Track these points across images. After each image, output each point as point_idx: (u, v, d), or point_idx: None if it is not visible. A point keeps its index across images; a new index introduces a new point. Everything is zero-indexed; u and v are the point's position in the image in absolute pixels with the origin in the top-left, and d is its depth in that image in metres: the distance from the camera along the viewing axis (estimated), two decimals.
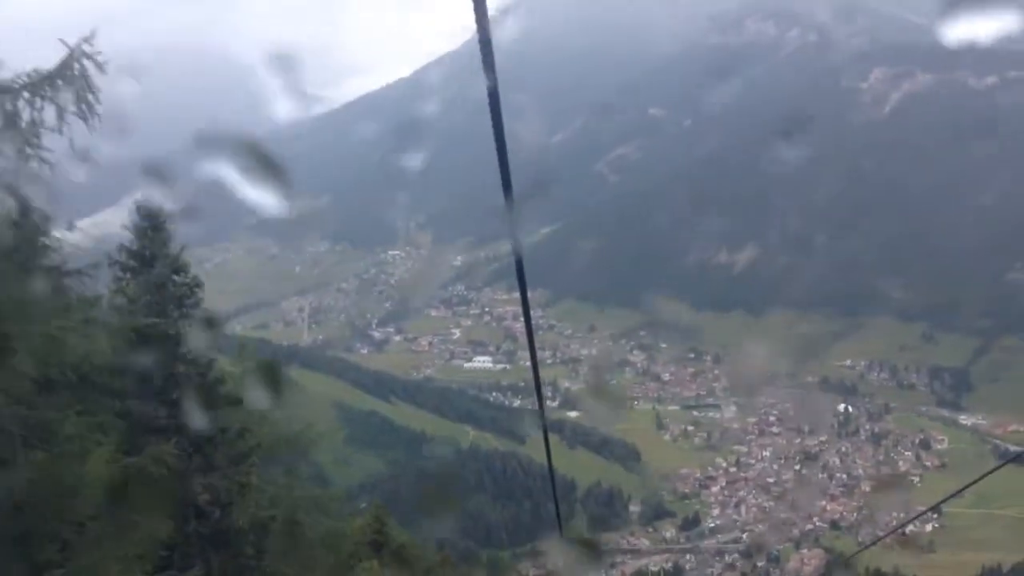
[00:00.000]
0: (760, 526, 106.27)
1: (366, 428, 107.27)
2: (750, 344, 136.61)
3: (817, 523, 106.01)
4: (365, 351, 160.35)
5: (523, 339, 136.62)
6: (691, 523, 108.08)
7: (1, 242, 10.05)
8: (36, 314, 10.50)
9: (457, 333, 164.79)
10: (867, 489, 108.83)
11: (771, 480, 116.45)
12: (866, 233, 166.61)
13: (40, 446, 9.94)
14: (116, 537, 10.66)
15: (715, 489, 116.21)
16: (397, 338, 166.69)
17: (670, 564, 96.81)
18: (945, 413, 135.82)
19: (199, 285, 14.61)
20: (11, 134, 9.53)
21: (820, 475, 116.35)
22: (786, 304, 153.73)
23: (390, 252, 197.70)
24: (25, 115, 9.60)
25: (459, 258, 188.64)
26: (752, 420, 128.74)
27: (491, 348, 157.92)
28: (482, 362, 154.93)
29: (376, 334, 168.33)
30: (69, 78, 9.78)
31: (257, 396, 14.14)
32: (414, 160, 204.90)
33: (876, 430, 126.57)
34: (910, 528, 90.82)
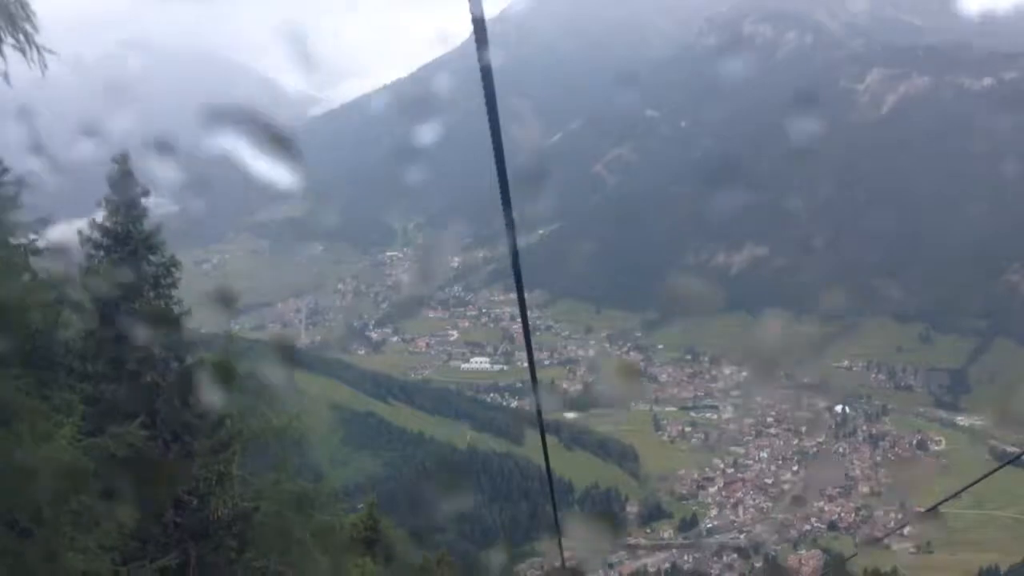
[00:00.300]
0: (758, 527, 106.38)
1: (364, 429, 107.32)
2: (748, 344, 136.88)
3: (815, 524, 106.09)
4: (362, 352, 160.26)
5: (521, 340, 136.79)
6: (689, 524, 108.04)
7: None
8: None
9: (455, 334, 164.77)
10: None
11: (769, 481, 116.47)
12: (863, 234, 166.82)
13: None
14: (78, 525, 10.25)
15: (713, 490, 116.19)
16: (395, 339, 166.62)
17: (668, 564, 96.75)
18: (942, 414, 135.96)
19: (176, 265, 14.16)
20: None
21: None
22: (783, 305, 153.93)
23: (388, 253, 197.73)
24: None
25: (457, 259, 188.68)
26: (749, 421, 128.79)
27: (489, 349, 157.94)
28: (480, 363, 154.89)
29: (374, 335, 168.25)
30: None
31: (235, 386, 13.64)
32: (412, 161, 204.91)
33: (874, 431, 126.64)
34: (908, 529, 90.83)
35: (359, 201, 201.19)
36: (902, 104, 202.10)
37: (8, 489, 9.36)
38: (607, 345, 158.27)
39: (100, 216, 14.00)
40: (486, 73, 3.18)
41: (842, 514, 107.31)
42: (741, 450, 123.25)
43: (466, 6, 3.10)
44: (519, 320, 5.13)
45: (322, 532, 15.49)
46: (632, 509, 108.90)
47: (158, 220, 14.02)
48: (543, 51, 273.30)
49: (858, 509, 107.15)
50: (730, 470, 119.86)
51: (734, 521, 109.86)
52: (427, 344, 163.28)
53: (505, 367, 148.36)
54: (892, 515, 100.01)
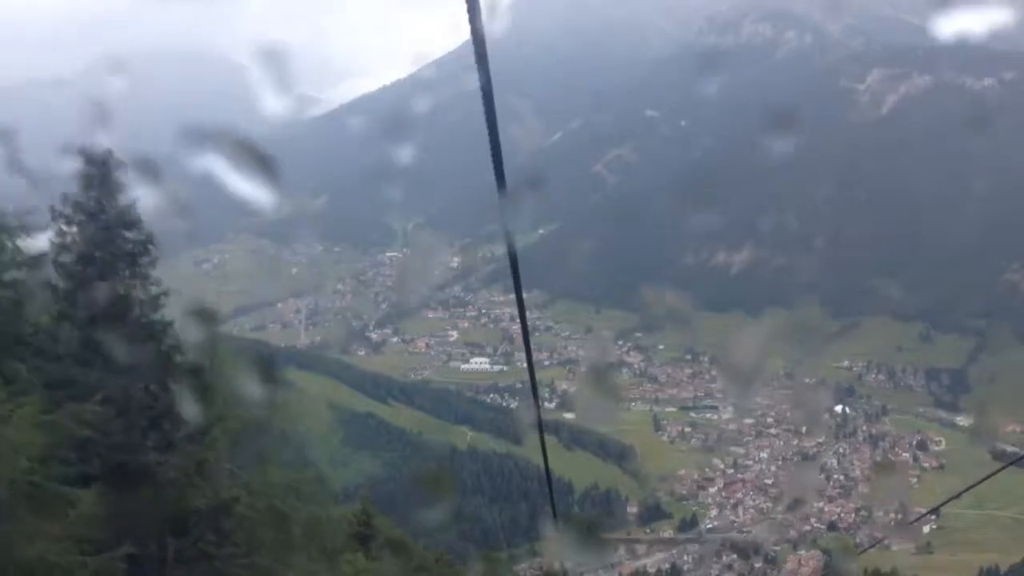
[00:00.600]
0: (758, 527, 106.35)
1: (363, 429, 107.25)
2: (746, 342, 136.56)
3: (815, 524, 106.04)
4: (362, 352, 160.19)
5: (520, 340, 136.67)
6: (689, 524, 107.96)
7: None
8: None
9: (454, 335, 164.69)
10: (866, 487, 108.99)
11: (769, 482, 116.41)
12: (863, 234, 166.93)
13: None
14: (41, 511, 9.78)
15: (712, 490, 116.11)
16: (394, 340, 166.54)
17: (668, 565, 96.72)
18: (942, 414, 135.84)
19: (153, 242, 13.41)
20: None
21: (818, 476, 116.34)
22: (783, 305, 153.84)
23: (387, 253, 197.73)
24: None
25: (456, 260, 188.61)
26: (749, 421, 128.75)
27: (488, 350, 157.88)
28: (479, 363, 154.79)
29: (373, 336, 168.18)
30: None
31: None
32: (411, 161, 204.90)
33: (873, 431, 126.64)
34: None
35: (359, 202, 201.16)
36: (902, 104, 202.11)
37: None
38: (607, 346, 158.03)
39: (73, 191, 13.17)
40: (484, 72, 3.16)
41: (842, 514, 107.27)
42: (741, 450, 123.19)
43: (465, 6, 3.08)
44: (519, 321, 5.11)
45: (311, 525, 14.95)
46: (632, 509, 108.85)
47: (136, 199, 13.22)
48: (543, 51, 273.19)
49: (858, 510, 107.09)
50: (730, 470, 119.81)
51: (734, 521, 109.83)
52: (427, 345, 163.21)
53: (505, 368, 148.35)
54: (892, 516, 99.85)
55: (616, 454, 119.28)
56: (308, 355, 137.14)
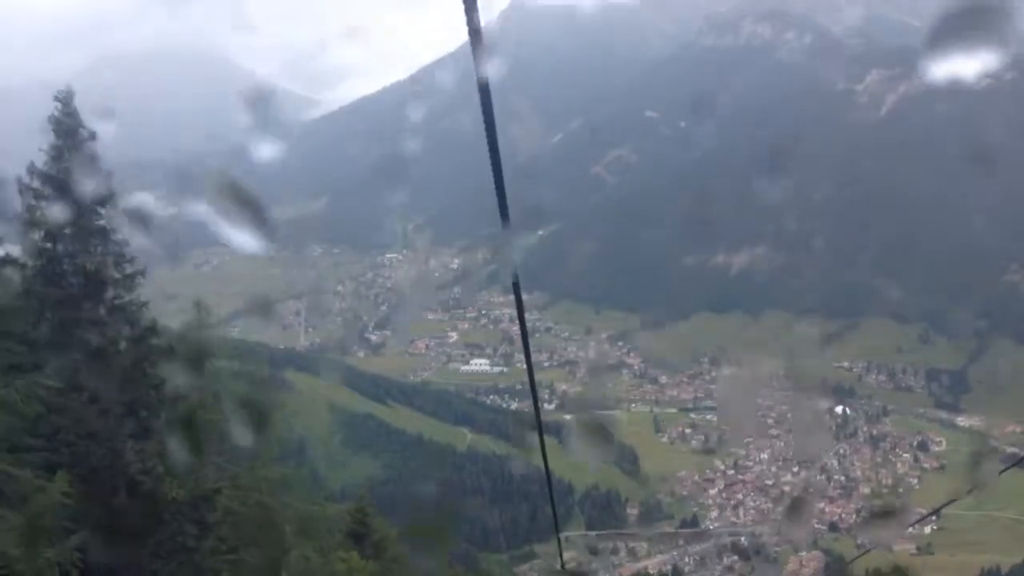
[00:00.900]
0: (759, 528, 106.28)
1: (363, 431, 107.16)
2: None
3: (816, 525, 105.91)
4: (362, 354, 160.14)
5: (520, 342, 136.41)
6: (689, 525, 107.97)
7: None
8: None
9: (454, 336, 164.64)
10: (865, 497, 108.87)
11: (769, 483, 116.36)
12: (863, 235, 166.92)
13: None
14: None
15: (713, 491, 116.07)
16: (394, 341, 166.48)
17: (670, 566, 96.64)
18: (943, 415, 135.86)
19: (129, 217, 12.64)
20: None
21: (818, 477, 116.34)
22: (783, 306, 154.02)
23: (387, 255, 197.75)
24: None
25: (456, 261, 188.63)
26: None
27: (488, 351, 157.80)
28: (479, 365, 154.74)
29: (373, 337, 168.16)
30: None
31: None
32: (411, 163, 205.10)
33: (874, 432, 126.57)
34: (910, 530, 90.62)
35: (359, 203, 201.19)
36: (902, 104, 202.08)
37: None
38: (607, 346, 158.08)
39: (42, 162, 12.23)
40: (482, 76, 3.14)
41: (843, 515, 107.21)
42: (742, 451, 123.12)
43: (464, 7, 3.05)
44: (518, 322, 5.08)
45: (301, 521, 14.46)
46: (632, 511, 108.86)
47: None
48: (543, 51, 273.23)
49: (859, 510, 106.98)
50: (730, 471, 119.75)
51: (735, 522, 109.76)
52: (426, 346, 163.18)
53: (505, 369, 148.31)
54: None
55: (616, 455, 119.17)
56: (308, 356, 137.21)
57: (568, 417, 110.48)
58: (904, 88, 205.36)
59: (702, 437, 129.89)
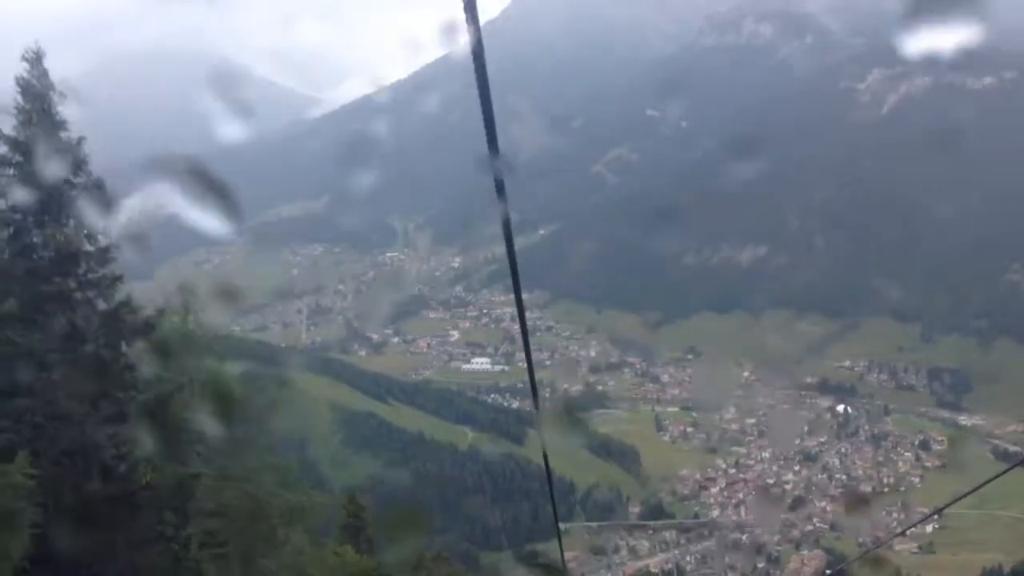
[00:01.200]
0: (760, 527, 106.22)
1: (364, 430, 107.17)
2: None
3: (817, 524, 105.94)
4: (363, 353, 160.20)
5: (521, 340, 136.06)
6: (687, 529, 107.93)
7: None
8: None
9: (455, 335, 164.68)
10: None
11: (771, 481, 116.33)
12: (864, 234, 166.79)
13: None
14: None
15: (714, 490, 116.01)
16: (395, 340, 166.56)
17: (671, 565, 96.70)
18: (944, 414, 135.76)
19: (101, 187, 11.74)
20: None
21: (820, 476, 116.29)
22: (785, 305, 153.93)
23: (388, 254, 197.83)
24: None
25: (457, 260, 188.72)
26: (751, 421, 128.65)
27: (489, 350, 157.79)
28: (480, 364, 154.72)
29: (374, 336, 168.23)
30: None
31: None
32: (412, 162, 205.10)
33: (876, 431, 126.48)
34: (912, 530, 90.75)
35: (359, 202, 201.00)
36: (903, 104, 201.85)
37: None
38: (608, 345, 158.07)
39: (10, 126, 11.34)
40: (481, 75, 3.15)
41: (844, 514, 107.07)
42: (743, 450, 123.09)
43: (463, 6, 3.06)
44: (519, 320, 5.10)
45: (292, 511, 13.79)
46: (634, 509, 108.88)
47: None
48: (543, 51, 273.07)
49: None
50: (732, 470, 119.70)
51: (736, 522, 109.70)
52: (428, 345, 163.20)
53: (506, 368, 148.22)
54: (895, 515, 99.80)
55: (618, 454, 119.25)
56: (309, 355, 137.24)
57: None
58: (906, 87, 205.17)
59: (704, 436, 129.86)
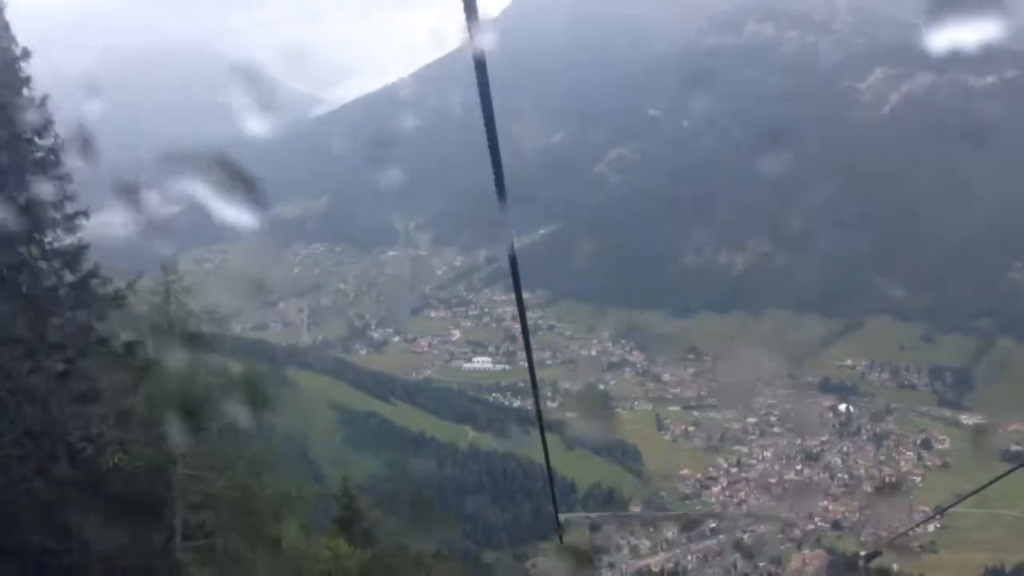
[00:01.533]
0: (762, 526, 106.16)
1: (365, 429, 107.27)
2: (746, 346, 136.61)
3: (819, 523, 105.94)
4: (364, 352, 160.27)
5: (522, 339, 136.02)
6: (692, 524, 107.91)
7: None
8: None
9: (457, 334, 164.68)
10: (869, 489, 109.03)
11: (772, 481, 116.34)
12: (865, 233, 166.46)
13: None
14: None
15: (716, 490, 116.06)
16: (396, 339, 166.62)
17: (672, 563, 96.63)
18: (946, 413, 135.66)
19: (63, 149, 11.02)
20: None
21: (821, 475, 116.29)
22: (785, 304, 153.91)
23: (390, 253, 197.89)
24: None
25: (458, 259, 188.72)
26: (753, 420, 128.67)
27: (490, 349, 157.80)
28: (481, 363, 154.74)
29: (375, 335, 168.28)
30: None
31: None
32: (413, 161, 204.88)
33: (877, 430, 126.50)
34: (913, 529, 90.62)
35: (360, 201, 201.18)
36: (904, 103, 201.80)
37: None
38: (609, 344, 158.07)
39: None
40: (481, 72, 3.13)
41: (846, 513, 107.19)
42: (745, 449, 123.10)
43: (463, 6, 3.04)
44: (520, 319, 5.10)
45: (284, 501, 13.24)
46: (635, 509, 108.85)
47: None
48: (543, 51, 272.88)
49: (862, 508, 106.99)
50: (733, 469, 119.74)
51: (737, 521, 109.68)
52: (429, 344, 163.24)
53: (507, 367, 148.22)
54: (896, 515, 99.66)
55: (619, 453, 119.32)
56: (310, 354, 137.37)
57: (570, 414, 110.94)
58: (907, 87, 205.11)
59: (705, 435, 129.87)
